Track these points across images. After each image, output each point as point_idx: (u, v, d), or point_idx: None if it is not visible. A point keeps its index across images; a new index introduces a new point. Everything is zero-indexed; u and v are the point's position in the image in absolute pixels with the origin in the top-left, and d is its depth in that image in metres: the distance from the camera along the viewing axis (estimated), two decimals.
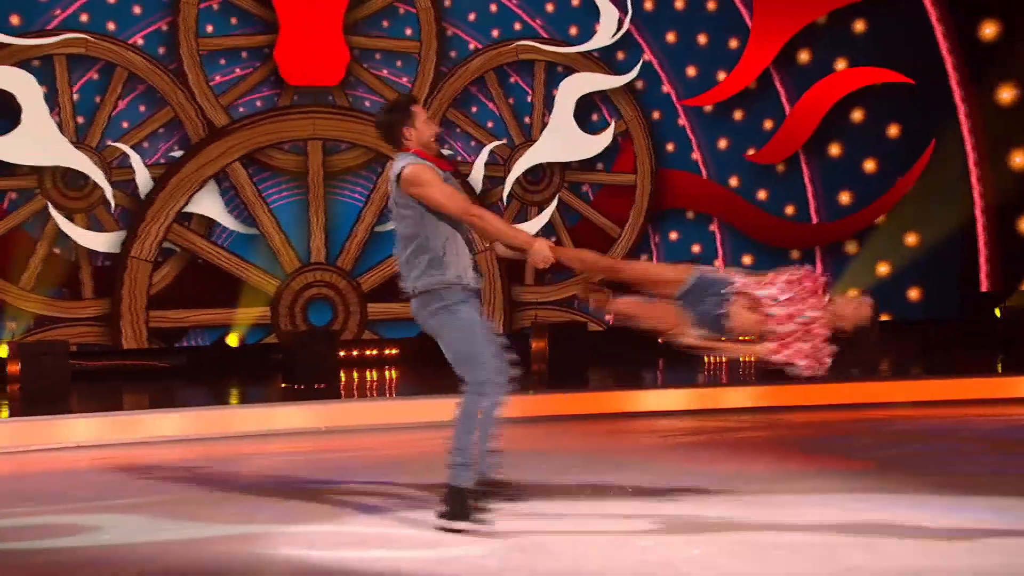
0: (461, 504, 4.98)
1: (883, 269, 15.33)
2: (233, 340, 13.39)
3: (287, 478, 6.69)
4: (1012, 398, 10.00)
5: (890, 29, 15.13)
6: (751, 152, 15.21)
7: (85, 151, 12.96)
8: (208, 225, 13.48)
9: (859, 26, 15.28)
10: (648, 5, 15.07)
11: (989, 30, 14.95)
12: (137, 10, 13.32)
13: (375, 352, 14.38)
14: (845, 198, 15.35)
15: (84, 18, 13.10)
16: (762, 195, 15.35)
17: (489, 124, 14.58)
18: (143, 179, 13.18)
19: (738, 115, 15.26)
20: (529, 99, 14.68)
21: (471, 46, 14.43)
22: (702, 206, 15.22)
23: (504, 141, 14.55)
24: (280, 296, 13.61)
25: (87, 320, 12.99)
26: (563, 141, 14.65)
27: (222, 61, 13.63)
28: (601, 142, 14.79)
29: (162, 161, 13.31)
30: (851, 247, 15.35)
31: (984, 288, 15.12)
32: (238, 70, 13.66)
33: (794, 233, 15.31)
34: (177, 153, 13.38)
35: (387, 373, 13.28)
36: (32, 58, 12.80)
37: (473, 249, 5.26)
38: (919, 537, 4.83)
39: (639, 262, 13.36)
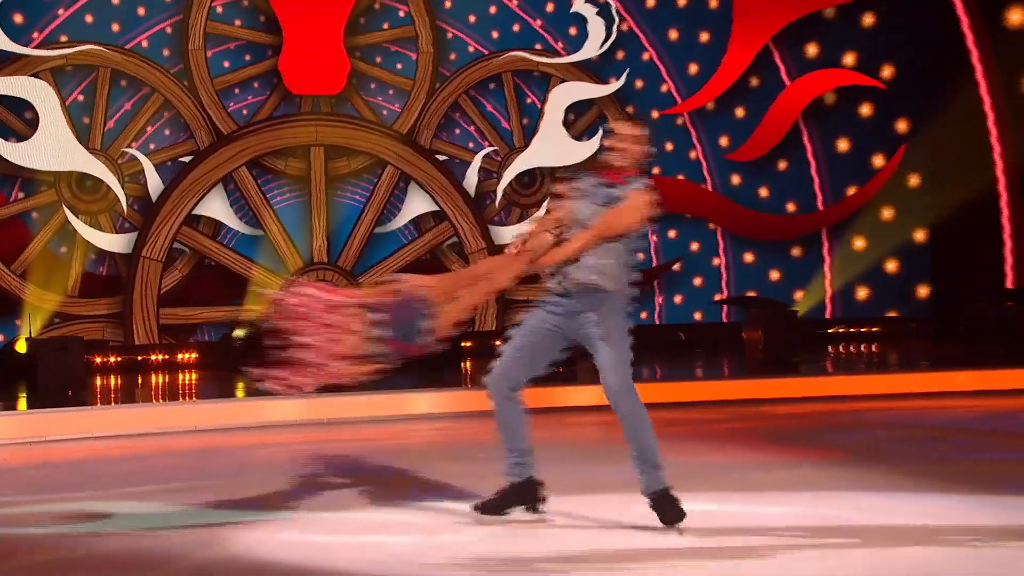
0: (671, 503, 5.00)
1: (891, 266, 15.47)
2: (239, 336, 13.83)
3: (291, 467, 6.96)
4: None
5: (898, 22, 15.05)
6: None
7: (99, 156, 13.49)
8: (215, 226, 13.99)
9: (867, 19, 15.17)
10: (649, 3, 15.23)
11: (1016, 16, 14.45)
12: (141, 11, 13.80)
13: None
14: (851, 194, 15.40)
15: (88, 19, 13.56)
16: (763, 192, 15.47)
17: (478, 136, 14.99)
18: (154, 183, 13.74)
19: (739, 112, 15.34)
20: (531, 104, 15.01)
21: (470, 48, 14.77)
22: (691, 209, 15.31)
23: (494, 149, 14.95)
24: None
25: (101, 317, 13.51)
26: (554, 147, 14.92)
27: (226, 64, 14.14)
28: (590, 148, 14.97)
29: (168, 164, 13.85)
30: (859, 243, 15.45)
31: (1009, 285, 14.74)
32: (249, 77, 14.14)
33: (768, 225, 15.42)
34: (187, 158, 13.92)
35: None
36: (43, 68, 13.31)
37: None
38: (897, 526, 5.04)
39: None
